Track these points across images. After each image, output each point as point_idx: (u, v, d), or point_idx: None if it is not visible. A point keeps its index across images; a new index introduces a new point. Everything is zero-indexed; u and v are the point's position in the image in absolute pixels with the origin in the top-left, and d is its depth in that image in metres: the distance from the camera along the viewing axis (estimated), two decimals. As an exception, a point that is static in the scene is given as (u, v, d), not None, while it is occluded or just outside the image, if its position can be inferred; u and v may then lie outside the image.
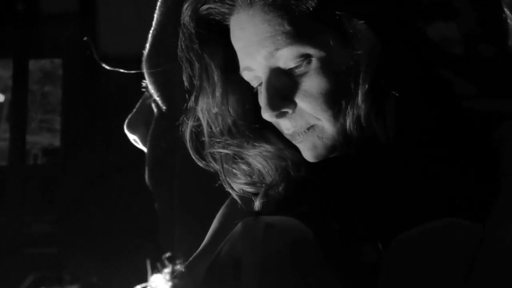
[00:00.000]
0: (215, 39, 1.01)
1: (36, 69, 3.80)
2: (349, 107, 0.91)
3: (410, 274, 0.81)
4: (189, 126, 1.03)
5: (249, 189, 1.03)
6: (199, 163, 1.05)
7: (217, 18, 0.99)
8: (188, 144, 1.04)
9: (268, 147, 1.02)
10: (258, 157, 1.01)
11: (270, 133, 1.01)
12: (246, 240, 0.87)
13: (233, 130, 1.00)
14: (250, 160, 1.02)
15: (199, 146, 1.04)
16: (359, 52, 0.90)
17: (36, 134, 3.82)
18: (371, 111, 0.92)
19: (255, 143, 1.02)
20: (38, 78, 3.84)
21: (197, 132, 1.05)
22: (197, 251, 1.01)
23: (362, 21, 0.90)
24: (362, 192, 0.95)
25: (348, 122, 0.92)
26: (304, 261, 0.86)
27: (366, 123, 0.92)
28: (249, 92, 1.02)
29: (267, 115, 0.96)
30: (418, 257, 0.81)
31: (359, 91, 0.91)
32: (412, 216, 0.87)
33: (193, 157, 1.04)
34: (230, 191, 1.03)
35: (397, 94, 0.92)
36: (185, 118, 1.03)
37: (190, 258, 0.99)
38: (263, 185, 1.01)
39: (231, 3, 0.97)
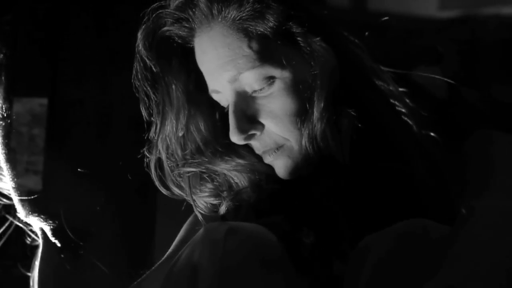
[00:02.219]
0: (179, 61, 1.00)
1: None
2: (304, 125, 0.91)
3: (373, 275, 0.79)
4: (153, 158, 1.01)
5: (216, 201, 1.01)
6: (165, 192, 1.03)
7: (179, 41, 0.98)
8: (153, 176, 1.02)
9: (240, 161, 1.00)
10: (232, 171, 1.00)
11: (241, 147, 1.00)
12: (206, 244, 0.83)
13: (203, 149, 0.99)
14: (223, 173, 1.00)
15: (163, 176, 1.02)
16: (315, 71, 0.90)
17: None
18: (327, 130, 0.91)
19: (227, 158, 1.00)
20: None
21: (160, 162, 1.03)
22: (161, 259, 0.99)
23: (318, 38, 0.90)
24: (328, 207, 0.95)
25: (304, 141, 0.91)
26: (265, 267, 0.83)
27: (322, 141, 0.92)
28: (217, 109, 1.01)
29: (235, 138, 0.94)
30: (382, 257, 0.80)
31: (314, 109, 0.90)
32: (379, 228, 0.87)
33: (159, 188, 1.02)
34: (198, 213, 1.01)
35: (352, 113, 0.90)
36: (146, 151, 1.01)
37: (154, 266, 0.97)
38: (231, 192, 0.99)
39: (189, 26, 0.96)
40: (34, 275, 1.27)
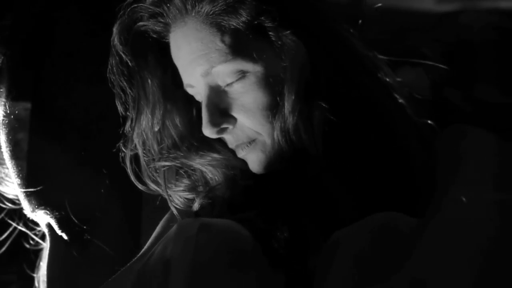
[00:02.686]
0: (155, 57, 1.00)
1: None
2: (276, 119, 0.92)
3: (342, 270, 0.81)
4: (128, 153, 1.01)
5: (191, 195, 1.02)
6: (141, 187, 1.03)
7: (154, 36, 0.99)
8: (128, 170, 1.02)
9: (215, 155, 0.99)
10: (207, 166, 1.01)
11: (217, 142, 1.01)
12: (178, 240, 0.84)
13: (179, 143, 1.00)
14: (198, 168, 1.01)
15: (138, 171, 1.03)
16: (285, 63, 0.92)
17: None
18: (299, 123, 0.92)
19: (202, 153, 1.01)
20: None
21: (136, 157, 1.03)
22: (136, 256, 0.99)
23: (288, 32, 0.91)
24: (302, 201, 0.96)
25: (276, 134, 0.91)
26: (237, 263, 0.83)
27: (295, 135, 0.92)
28: (194, 104, 1.02)
29: (208, 131, 0.95)
30: (351, 251, 0.82)
31: (285, 103, 0.91)
32: (354, 221, 0.88)
33: (135, 182, 1.03)
34: (173, 208, 1.01)
35: (325, 105, 0.91)
36: (121, 146, 1.02)
37: (127, 264, 0.97)
38: (206, 188, 1.00)
39: (164, 21, 0.97)
40: (40, 275, 1.27)
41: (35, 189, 1.17)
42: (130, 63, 0.97)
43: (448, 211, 0.82)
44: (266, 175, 0.97)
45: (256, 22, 0.91)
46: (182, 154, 1.00)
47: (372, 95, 0.99)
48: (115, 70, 0.99)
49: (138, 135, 0.99)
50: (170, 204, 1.01)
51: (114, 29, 0.98)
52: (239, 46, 0.91)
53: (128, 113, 1.00)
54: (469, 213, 0.81)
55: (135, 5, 0.97)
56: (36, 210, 1.20)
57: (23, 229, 1.31)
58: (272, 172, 0.97)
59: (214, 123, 0.94)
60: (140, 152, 1.01)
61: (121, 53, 0.98)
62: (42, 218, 1.21)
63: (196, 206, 0.99)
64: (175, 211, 1.00)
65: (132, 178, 1.03)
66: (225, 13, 0.91)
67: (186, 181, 1.01)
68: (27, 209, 1.21)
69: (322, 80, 0.93)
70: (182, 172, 1.02)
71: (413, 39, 1.26)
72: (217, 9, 0.91)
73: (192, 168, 1.01)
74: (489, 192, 0.86)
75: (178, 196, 1.01)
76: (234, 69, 0.91)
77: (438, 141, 0.99)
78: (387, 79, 1.06)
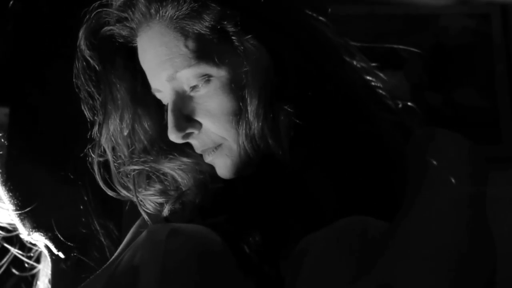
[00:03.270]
0: (123, 61, 1.00)
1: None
2: (240, 124, 0.92)
3: (310, 275, 0.80)
4: (95, 157, 1.01)
5: (161, 199, 1.01)
6: (110, 193, 1.02)
7: (121, 40, 0.99)
8: (97, 176, 1.01)
9: (185, 160, 0.98)
10: (176, 170, 1.01)
11: (187, 146, 1.00)
12: (147, 246, 0.82)
13: (148, 148, 0.99)
14: (168, 172, 1.00)
15: (107, 177, 1.02)
16: (246, 68, 0.91)
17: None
18: (265, 128, 0.92)
19: (172, 157, 1.00)
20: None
21: (104, 162, 1.02)
22: (106, 263, 0.98)
23: (249, 36, 0.91)
24: (272, 206, 0.95)
25: (241, 140, 0.91)
26: (207, 268, 0.81)
27: (260, 140, 0.93)
28: (164, 109, 1.02)
29: (173, 136, 0.93)
30: (319, 257, 0.81)
31: (248, 108, 0.90)
32: (323, 225, 0.88)
33: (103, 188, 1.02)
34: (143, 213, 1.00)
35: (290, 109, 0.91)
36: (90, 150, 1.01)
37: (97, 272, 0.96)
38: (177, 192, 1.00)
39: (130, 25, 0.96)
40: None
41: (24, 212, 1.16)
42: (97, 68, 0.97)
43: (415, 216, 0.83)
44: (236, 179, 0.97)
45: (219, 27, 0.90)
46: (152, 158, 0.99)
47: (345, 96, 0.98)
48: (81, 75, 0.98)
49: (107, 140, 0.98)
50: (140, 209, 1.00)
51: (80, 34, 0.97)
52: (203, 51, 0.90)
53: (96, 117, 0.99)
54: (436, 217, 0.82)
55: (100, 9, 0.97)
56: (31, 233, 1.19)
57: (18, 254, 1.29)
58: (241, 176, 0.96)
59: (180, 128, 0.93)
60: (109, 157, 1.00)
61: (88, 57, 0.97)
62: (39, 239, 1.20)
63: (166, 211, 0.97)
64: (145, 216, 0.99)
65: (101, 184, 1.01)
66: (189, 18, 0.90)
67: (157, 186, 1.00)
68: (24, 232, 1.21)
69: (287, 84, 0.92)
70: (154, 177, 1.02)
71: (392, 43, 1.26)
72: (180, 14, 0.90)
73: (162, 172, 1.01)
74: (457, 193, 0.86)
75: (149, 200, 1.00)
76: (198, 73, 0.91)
77: (408, 144, 0.97)
78: (362, 65, 1.06)
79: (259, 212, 0.92)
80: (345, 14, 1.55)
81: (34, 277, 1.32)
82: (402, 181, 0.91)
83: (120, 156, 0.99)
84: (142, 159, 0.98)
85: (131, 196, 0.99)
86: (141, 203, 0.98)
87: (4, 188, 1.15)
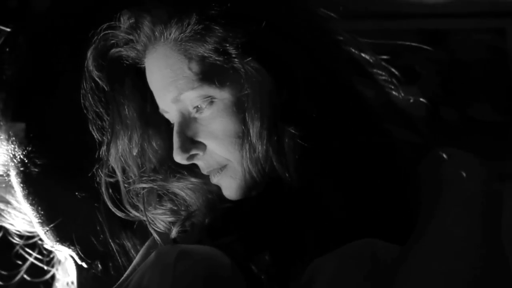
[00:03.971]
0: (132, 81, 1.01)
1: None
2: (243, 146, 0.92)
3: None
4: (103, 177, 1.01)
5: (171, 218, 1.01)
6: (118, 214, 1.02)
7: (129, 61, 0.99)
8: (105, 196, 1.01)
9: (193, 179, 0.98)
10: (185, 190, 1.01)
11: (196, 166, 1.01)
12: (156, 268, 0.82)
13: (158, 167, 0.99)
14: (177, 191, 1.00)
15: (115, 197, 1.02)
16: (247, 91, 0.91)
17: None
18: (270, 151, 0.91)
19: (181, 177, 1.00)
20: None
21: (112, 183, 1.02)
22: (116, 284, 0.97)
23: (249, 59, 0.92)
24: (282, 226, 0.95)
25: (245, 162, 0.91)
26: None
27: (265, 163, 0.92)
28: (172, 128, 1.02)
29: (178, 158, 0.92)
30: (329, 280, 0.81)
31: (251, 130, 0.90)
32: (334, 247, 0.87)
33: (112, 209, 1.02)
34: (153, 232, 1.00)
35: (295, 132, 0.90)
36: (98, 171, 1.01)
37: None
38: (186, 213, 1.00)
39: (137, 47, 0.94)
40: None
41: (49, 227, 1.17)
42: (106, 88, 0.97)
43: (428, 240, 0.82)
44: (244, 199, 0.97)
45: (222, 49, 0.91)
46: (161, 177, 0.99)
47: (354, 118, 0.97)
48: (89, 96, 0.99)
49: (116, 160, 0.99)
50: (149, 228, 1.00)
51: (88, 54, 0.98)
52: (206, 74, 0.90)
53: (104, 138, 1.00)
54: (449, 242, 0.81)
55: (107, 31, 0.98)
56: (55, 245, 1.20)
57: (35, 261, 1.31)
58: (250, 197, 0.96)
59: (184, 149, 0.93)
60: (119, 177, 1.00)
61: (97, 79, 0.98)
62: (63, 250, 1.22)
63: (174, 232, 0.96)
64: (155, 235, 0.98)
65: (109, 204, 1.01)
66: (193, 40, 0.90)
67: (168, 205, 1.00)
68: (48, 243, 1.22)
69: (290, 106, 0.92)
70: (165, 197, 1.02)
71: (407, 59, 1.26)
72: (184, 36, 0.91)
73: (172, 192, 1.01)
74: (470, 216, 0.85)
75: (160, 220, 1.00)
76: (201, 96, 0.91)
77: (421, 165, 0.96)
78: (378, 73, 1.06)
79: (268, 232, 0.91)
80: (359, 30, 1.55)
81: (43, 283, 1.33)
82: (415, 200, 0.90)
83: (130, 176, 0.99)
84: (151, 178, 0.98)
85: (141, 216, 0.99)
86: (151, 222, 0.98)
87: (27, 202, 1.16)
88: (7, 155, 1.14)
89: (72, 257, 1.20)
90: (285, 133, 0.90)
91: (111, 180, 1.00)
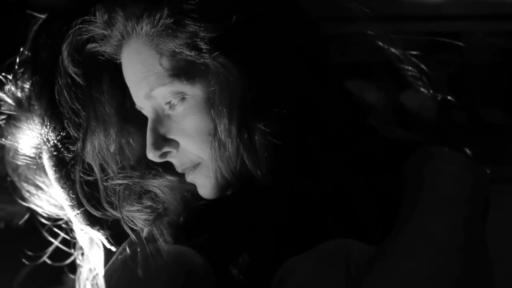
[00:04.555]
0: (109, 77, 0.99)
1: None
2: (214, 144, 0.89)
3: None
4: (77, 174, 0.99)
5: (146, 216, 0.99)
6: (95, 213, 1.01)
7: (105, 57, 0.98)
8: (80, 194, 1.00)
9: (170, 178, 0.95)
10: (162, 187, 0.99)
11: (172, 164, 0.99)
12: (125, 267, 0.82)
13: (135, 164, 0.96)
14: (153, 189, 0.99)
15: (90, 196, 1.00)
16: (213, 87, 0.87)
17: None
18: (240, 148, 0.88)
19: (158, 174, 0.96)
20: None
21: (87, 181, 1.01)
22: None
23: (216, 53, 0.86)
24: (259, 225, 0.92)
25: (216, 161, 0.89)
26: None
27: (236, 161, 0.89)
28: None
29: (151, 155, 0.91)
30: (302, 280, 0.79)
31: (220, 128, 0.87)
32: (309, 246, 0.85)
33: (87, 207, 1.00)
34: (127, 229, 0.98)
35: (265, 129, 0.87)
36: (72, 168, 1.00)
37: None
38: (160, 212, 0.98)
39: (111, 43, 0.93)
40: (82, 279, 1.28)
41: (80, 211, 1.17)
42: (82, 84, 0.96)
43: (404, 243, 0.80)
44: (221, 198, 0.93)
45: (192, 45, 0.89)
46: (137, 174, 0.97)
47: (328, 115, 0.93)
48: (64, 92, 0.97)
49: (93, 157, 0.97)
50: (124, 225, 0.98)
51: (63, 50, 0.97)
52: (176, 69, 0.88)
53: (80, 134, 0.98)
54: (427, 243, 0.79)
55: (82, 26, 0.95)
56: (85, 229, 1.21)
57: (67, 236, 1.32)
58: (225, 196, 0.93)
59: (157, 146, 0.91)
60: (98, 175, 0.98)
61: (72, 74, 0.96)
62: (93, 234, 1.22)
63: (145, 231, 0.94)
64: (130, 233, 0.97)
65: (85, 202, 1.00)
66: (165, 35, 0.88)
67: (144, 202, 0.99)
68: (77, 227, 1.22)
69: (260, 103, 0.88)
70: (144, 195, 1.00)
71: (418, 61, 1.26)
72: (156, 31, 0.89)
73: (149, 189, 0.99)
74: (451, 217, 0.82)
75: (137, 218, 0.98)
76: (172, 92, 0.88)
77: (407, 163, 0.92)
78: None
79: (244, 232, 0.90)
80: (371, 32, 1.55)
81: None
82: (396, 199, 0.88)
83: (108, 173, 0.97)
84: (128, 175, 0.96)
85: (117, 214, 0.97)
86: (126, 219, 0.96)
87: (58, 185, 1.17)
88: (40, 138, 1.14)
89: (101, 241, 1.21)
90: (255, 130, 0.88)
91: (90, 178, 0.98)
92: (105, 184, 0.96)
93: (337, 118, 0.93)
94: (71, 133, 0.98)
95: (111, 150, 0.95)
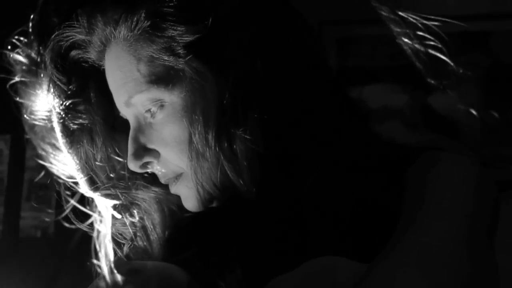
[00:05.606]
0: (95, 84, 0.96)
1: None
2: (193, 153, 0.84)
3: None
4: (62, 185, 0.96)
5: (130, 230, 0.95)
6: (78, 225, 0.97)
7: (90, 62, 0.95)
8: (64, 204, 0.97)
9: (157, 189, 0.92)
10: (148, 199, 0.95)
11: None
12: (105, 286, 0.79)
13: (120, 174, 0.93)
14: (140, 202, 0.95)
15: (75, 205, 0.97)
16: (186, 93, 0.84)
17: None
18: (220, 157, 0.83)
19: (145, 185, 0.93)
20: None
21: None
22: None
23: (189, 57, 0.83)
24: (242, 240, 0.86)
25: (196, 172, 0.85)
26: None
27: (217, 172, 0.84)
28: None
29: (131, 165, 0.88)
30: None
31: (193, 137, 0.83)
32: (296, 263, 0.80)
33: (71, 219, 0.96)
34: (112, 245, 0.95)
35: (246, 136, 0.82)
36: (55, 180, 0.96)
37: None
38: (145, 224, 0.94)
39: (93, 48, 0.91)
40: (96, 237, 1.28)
41: (84, 177, 1.17)
42: (68, 92, 0.94)
43: (395, 262, 0.73)
44: (206, 211, 0.89)
45: (170, 50, 0.84)
46: (123, 185, 0.93)
47: (314, 121, 0.86)
48: (52, 101, 0.95)
49: (82, 167, 0.95)
50: (107, 241, 0.92)
51: (46, 57, 0.93)
52: (154, 75, 0.85)
53: (64, 143, 0.96)
54: (424, 259, 0.73)
55: (62, 32, 0.92)
56: (90, 194, 1.22)
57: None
58: (212, 208, 0.89)
59: (137, 156, 0.87)
60: (85, 184, 0.95)
61: (57, 81, 0.94)
62: (97, 200, 1.23)
63: (126, 247, 0.91)
64: (116, 249, 0.90)
65: (69, 213, 0.97)
66: (142, 40, 0.85)
67: (128, 216, 0.95)
68: (84, 190, 1.23)
69: (239, 109, 0.83)
70: (128, 207, 0.96)
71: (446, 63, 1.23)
72: (133, 35, 0.86)
73: (134, 202, 0.96)
74: (453, 230, 0.76)
75: (125, 232, 0.95)
76: (150, 99, 0.85)
77: (409, 170, 0.85)
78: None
79: (231, 246, 0.86)
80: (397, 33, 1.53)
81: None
82: (396, 209, 0.81)
83: (97, 183, 0.94)
84: (113, 185, 0.93)
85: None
86: (114, 232, 0.94)
87: (65, 149, 1.17)
88: (48, 104, 1.14)
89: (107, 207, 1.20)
90: (236, 137, 0.84)
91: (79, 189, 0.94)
92: (92, 196, 0.93)
93: (325, 122, 0.87)
94: (58, 140, 0.95)
95: (97, 160, 0.93)
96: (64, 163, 1.20)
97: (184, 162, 0.86)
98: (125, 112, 0.89)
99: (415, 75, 1.11)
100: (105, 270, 0.93)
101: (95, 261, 1.02)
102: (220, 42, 0.86)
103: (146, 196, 0.93)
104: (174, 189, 0.90)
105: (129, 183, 0.93)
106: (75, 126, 0.98)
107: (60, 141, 1.13)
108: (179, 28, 0.85)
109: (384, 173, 0.85)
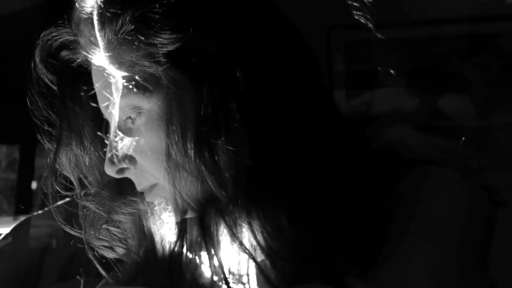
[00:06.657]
0: (86, 86, 0.95)
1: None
2: (168, 165, 0.82)
3: None
4: (50, 188, 0.94)
5: (112, 253, 0.91)
6: (66, 229, 0.92)
7: (81, 65, 0.91)
8: (54, 212, 0.92)
9: (142, 206, 0.91)
10: (128, 214, 0.92)
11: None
12: None
13: (108, 178, 0.91)
14: (119, 217, 0.93)
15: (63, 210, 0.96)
16: (160, 102, 0.83)
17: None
18: (201, 168, 0.81)
19: (127, 200, 0.92)
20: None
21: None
22: None
23: (166, 66, 0.81)
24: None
25: (173, 184, 0.83)
26: None
27: (197, 184, 0.81)
28: None
29: (108, 170, 0.87)
30: None
31: (170, 148, 0.82)
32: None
33: (60, 224, 0.95)
34: (93, 259, 0.90)
35: (228, 147, 0.80)
36: (46, 181, 0.95)
37: None
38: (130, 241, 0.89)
39: (81, 51, 0.90)
40: None
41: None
42: (58, 93, 0.93)
43: (387, 279, 0.74)
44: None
45: (151, 56, 0.83)
46: (107, 194, 0.91)
47: (297, 130, 0.84)
48: (39, 101, 0.94)
49: (71, 170, 0.92)
50: (88, 254, 0.91)
51: (35, 56, 0.93)
52: (133, 81, 0.84)
53: (54, 145, 0.93)
54: (412, 282, 0.73)
55: (51, 31, 0.92)
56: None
57: None
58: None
59: (114, 161, 0.86)
60: (76, 188, 0.93)
61: (47, 81, 0.93)
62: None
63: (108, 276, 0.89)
64: (99, 267, 0.90)
65: (58, 218, 0.95)
66: (125, 44, 0.84)
67: (114, 231, 0.91)
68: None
69: (220, 121, 0.81)
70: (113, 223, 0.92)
71: (454, 66, 1.23)
72: (116, 38, 0.85)
73: (114, 216, 0.94)
74: (444, 250, 0.76)
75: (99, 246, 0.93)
76: (128, 105, 0.84)
77: (401, 184, 0.84)
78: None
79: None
80: (408, 36, 1.53)
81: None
82: (385, 226, 0.80)
83: (87, 187, 0.93)
84: (101, 194, 0.91)
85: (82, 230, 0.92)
86: (90, 246, 0.92)
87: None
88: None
89: None
90: (218, 148, 0.82)
91: (68, 193, 0.94)
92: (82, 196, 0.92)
93: (314, 132, 0.85)
94: (45, 146, 0.94)
95: (87, 163, 0.92)
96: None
97: (160, 172, 0.84)
98: (107, 115, 0.89)
99: (424, 79, 1.11)
100: None
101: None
102: (200, 51, 0.84)
103: (127, 211, 0.92)
104: (149, 198, 0.88)
105: (114, 193, 0.92)
106: (63, 126, 1.00)
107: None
108: (162, 36, 0.84)
109: (376, 187, 0.84)
